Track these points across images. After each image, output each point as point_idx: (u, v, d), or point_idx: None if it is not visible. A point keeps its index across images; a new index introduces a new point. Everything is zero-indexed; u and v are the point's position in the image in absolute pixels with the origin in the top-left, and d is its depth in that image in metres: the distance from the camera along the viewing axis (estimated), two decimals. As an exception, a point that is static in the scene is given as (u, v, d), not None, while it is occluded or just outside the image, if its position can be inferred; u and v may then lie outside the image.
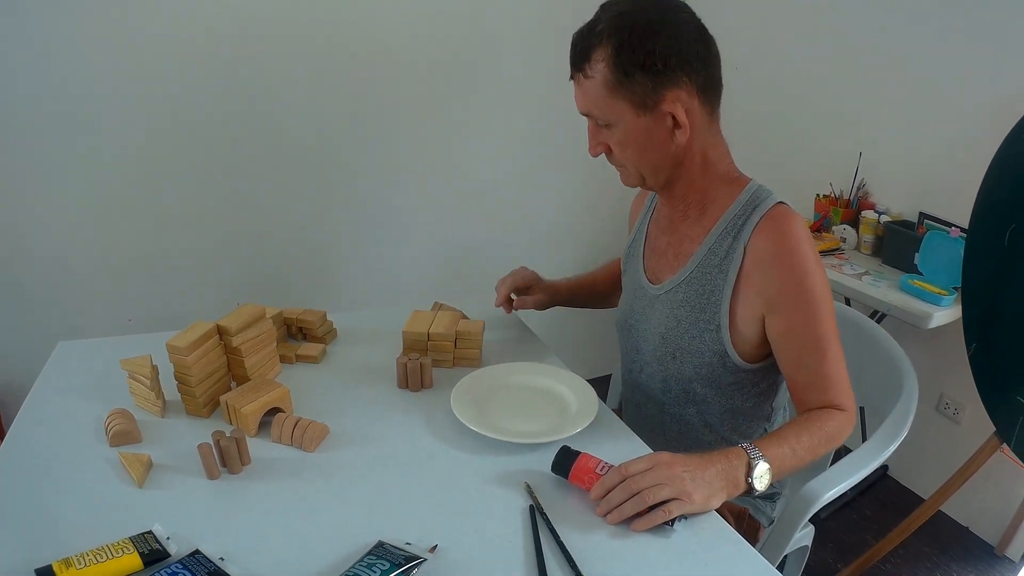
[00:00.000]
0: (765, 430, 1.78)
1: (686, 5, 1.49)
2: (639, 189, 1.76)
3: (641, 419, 1.85)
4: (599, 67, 1.44)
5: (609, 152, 1.58)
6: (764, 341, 1.59)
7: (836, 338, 1.52)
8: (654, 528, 1.28)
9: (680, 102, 1.47)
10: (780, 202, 1.55)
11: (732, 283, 1.55)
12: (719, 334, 1.58)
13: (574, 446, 1.43)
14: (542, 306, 2.04)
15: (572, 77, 1.51)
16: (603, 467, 1.37)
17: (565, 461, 1.39)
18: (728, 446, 1.64)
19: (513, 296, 2.00)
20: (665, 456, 1.33)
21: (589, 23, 1.47)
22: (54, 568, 1.13)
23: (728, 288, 1.56)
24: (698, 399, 1.70)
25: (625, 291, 1.88)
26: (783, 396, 1.79)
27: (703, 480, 1.31)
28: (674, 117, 1.48)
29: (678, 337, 1.65)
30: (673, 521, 1.28)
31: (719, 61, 1.53)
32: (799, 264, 1.48)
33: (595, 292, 2.15)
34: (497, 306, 1.97)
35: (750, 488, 1.36)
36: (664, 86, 1.44)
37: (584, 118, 1.58)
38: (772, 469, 1.38)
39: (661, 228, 1.76)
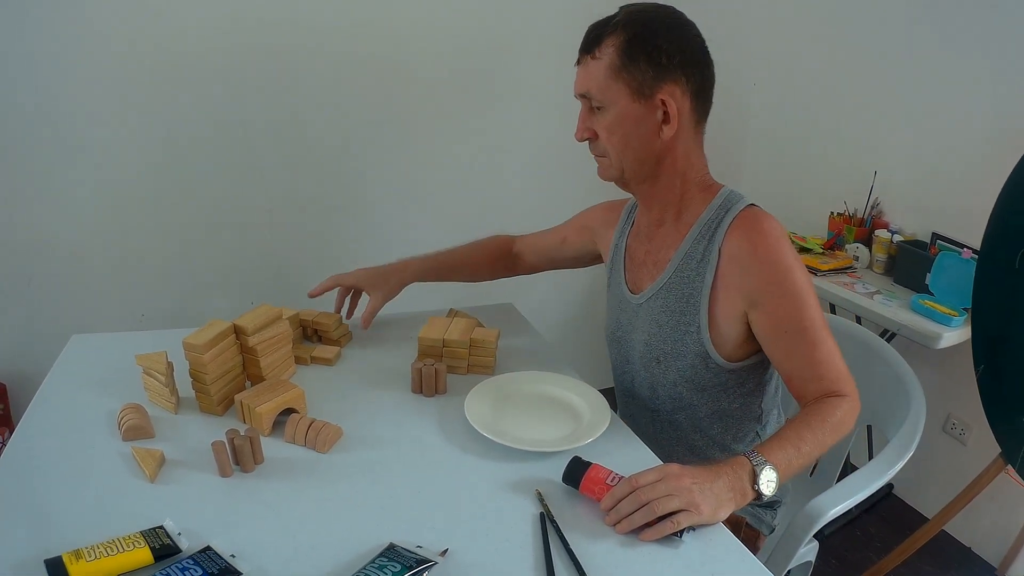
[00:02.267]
0: (756, 433, 1.81)
1: (696, 27, 1.58)
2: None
3: (636, 428, 1.84)
4: (608, 51, 1.52)
5: (594, 138, 1.63)
6: (746, 340, 1.62)
7: (826, 328, 1.54)
8: (663, 538, 1.29)
9: (674, 98, 1.54)
10: (751, 204, 1.61)
11: (709, 285, 1.60)
12: (699, 335, 1.62)
13: (585, 456, 1.44)
14: (385, 301, 2.08)
15: (579, 61, 1.60)
16: (613, 478, 1.37)
17: (576, 471, 1.40)
18: (719, 449, 1.74)
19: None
20: (674, 468, 1.34)
21: (607, 17, 1.57)
22: (64, 559, 1.13)
23: (706, 290, 1.60)
24: (685, 403, 1.74)
25: (610, 305, 1.92)
26: (773, 397, 1.81)
27: (711, 492, 1.32)
28: (665, 111, 1.54)
29: (661, 342, 1.70)
30: (682, 532, 1.29)
31: (714, 81, 1.61)
32: (777, 259, 1.52)
33: (466, 270, 2.25)
34: (310, 295, 2.05)
35: (758, 495, 1.37)
36: (663, 79, 1.52)
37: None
38: (779, 473, 1.38)
39: (640, 239, 1.82)
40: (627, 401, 1.93)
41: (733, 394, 1.72)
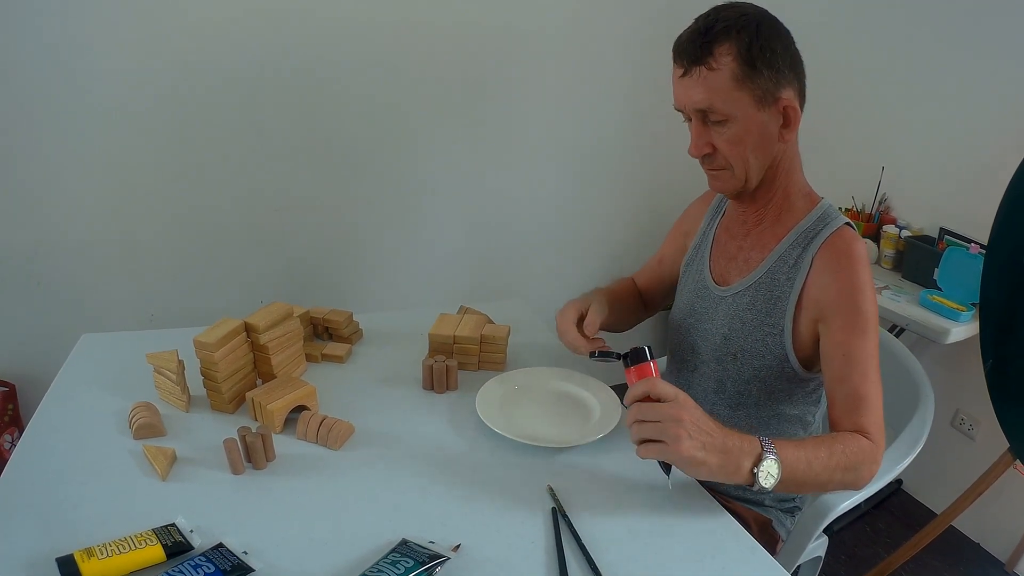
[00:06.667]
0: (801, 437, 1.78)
1: None
2: (683, 197, 1.75)
3: None
4: (725, 60, 1.45)
5: (712, 152, 1.56)
6: (818, 349, 1.60)
7: (877, 370, 1.51)
8: (672, 524, 1.34)
9: (792, 101, 1.52)
10: (848, 223, 1.60)
11: (798, 291, 1.58)
12: (781, 339, 1.61)
13: (596, 451, 1.47)
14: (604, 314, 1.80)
15: (685, 73, 1.50)
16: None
17: (637, 358, 1.41)
18: None
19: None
20: (689, 402, 1.33)
21: (703, 23, 1.48)
22: (75, 558, 1.13)
23: (794, 295, 1.59)
24: (752, 401, 1.71)
25: (684, 292, 1.89)
26: (823, 409, 1.77)
27: (701, 441, 1.29)
28: (785, 115, 1.52)
29: (741, 339, 1.67)
30: (669, 473, 1.33)
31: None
32: (857, 281, 1.51)
33: (624, 311, 2.04)
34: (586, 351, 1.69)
35: (753, 480, 1.31)
36: (782, 84, 1.49)
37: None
38: (783, 470, 1.33)
39: (732, 233, 1.78)
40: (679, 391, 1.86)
41: (797, 400, 1.71)
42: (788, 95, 1.50)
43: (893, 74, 3.19)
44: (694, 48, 1.48)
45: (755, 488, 1.31)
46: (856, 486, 1.46)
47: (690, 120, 1.56)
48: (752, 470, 1.31)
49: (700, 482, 1.49)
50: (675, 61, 1.53)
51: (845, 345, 1.51)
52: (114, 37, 2.59)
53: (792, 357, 1.61)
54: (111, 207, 2.82)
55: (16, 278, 2.76)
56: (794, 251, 1.61)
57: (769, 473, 1.31)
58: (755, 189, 1.64)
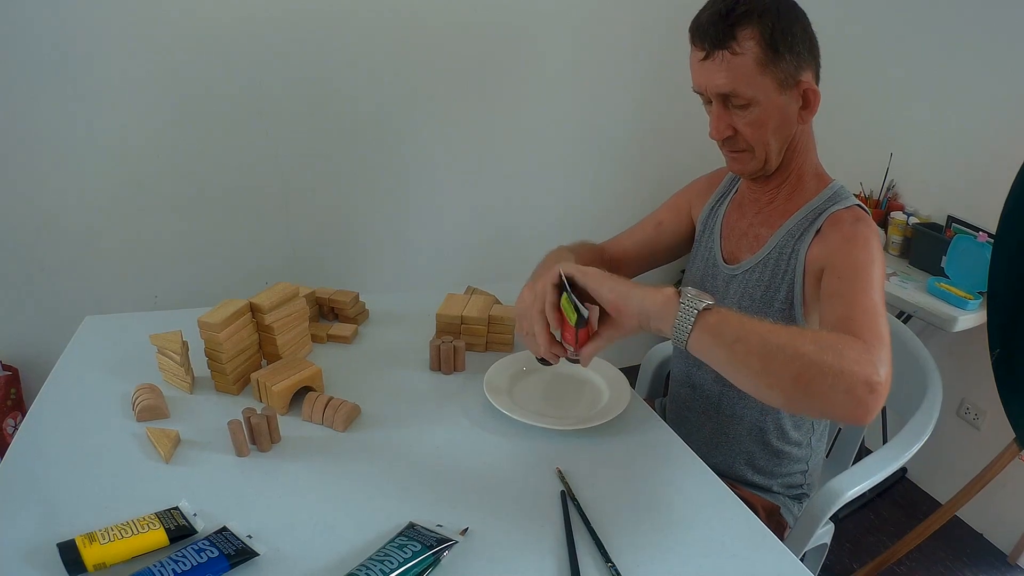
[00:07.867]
0: (811, 425, 1.79)
1: None
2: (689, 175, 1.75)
3: (693, 401, 1.86)
4: (748, 45, 1.44)
5: (733, 135, 1.56)
6: None
7: (880, 295, 1.39)
8: (681, 508, 1.31)
9: (812, 83, 1.53)
10: (859, 205, 1.58)
11: (803, 262, 1.57)
12: (791, 311, 1.60)
13: (605, 434, 1.49)
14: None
15: (708, 56, 1.48)
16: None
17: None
18: (768, 452, 1.76)
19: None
20: None
21: (723, 6, 1.46)
22: (77, 543, 1.12)
23: (800, 268, 1.57)
24: None
25: (693, 272, 1.88)
26: None
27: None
28: (805, 97, 1.53)
29: (752, 315, 1.62)
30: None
31: None
32: (862, 240, 1.47)
33: None
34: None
35: (680, 297, 1.25)
36: (802, 67, 1.49)
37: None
38: (721, 307, 1.25)
39: (744, 211, 1.77)
40: (688, 371, 1.87)
41: None
42: (808, 77, 1.50)
43: (902, 60, 3.17)
44: (716, 31, 1.46)
45: (682, 324, 1.24)
46: (845, 383, 1.16)
47: (710, 103, 1.55)
48: (675, 288, 1.28)
49: (711, 469, 1.48)
50: (694, 43, 1.50)
51: (843, 269, 1.45)
52: (118, 22, 2.58)
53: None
54: (114, 189, 2.81)
55: (18, 263, 2.75)
56: (801, 226, 1.61)
57: (698, 296, 1.25)
58: (775, 170, 1.63)
